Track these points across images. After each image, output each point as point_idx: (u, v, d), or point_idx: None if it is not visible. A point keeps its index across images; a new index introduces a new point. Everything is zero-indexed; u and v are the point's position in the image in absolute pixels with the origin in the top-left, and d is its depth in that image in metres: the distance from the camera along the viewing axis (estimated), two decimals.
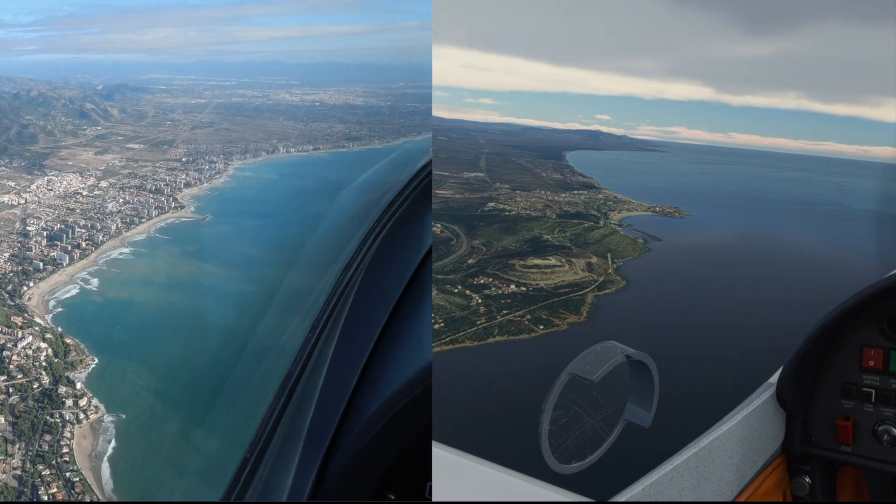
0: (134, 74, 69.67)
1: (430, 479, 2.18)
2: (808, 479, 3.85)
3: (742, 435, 3.39)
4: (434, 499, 2.09)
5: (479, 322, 41.04)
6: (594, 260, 49.87)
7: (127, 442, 30.53)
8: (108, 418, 31.80)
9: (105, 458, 29.88)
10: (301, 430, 2.28)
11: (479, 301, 42.57)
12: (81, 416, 31.85)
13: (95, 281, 41.38)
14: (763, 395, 3.67)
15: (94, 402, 32.56)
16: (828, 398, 3.80)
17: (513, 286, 45.03)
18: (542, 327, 41.80)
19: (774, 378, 3.79)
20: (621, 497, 2.53)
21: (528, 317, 42.50)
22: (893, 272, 3.66)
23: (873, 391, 3.70)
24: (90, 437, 30.94)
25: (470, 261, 46.77)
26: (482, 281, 44.81)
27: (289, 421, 2.35)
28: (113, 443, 30.46)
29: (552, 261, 48.40)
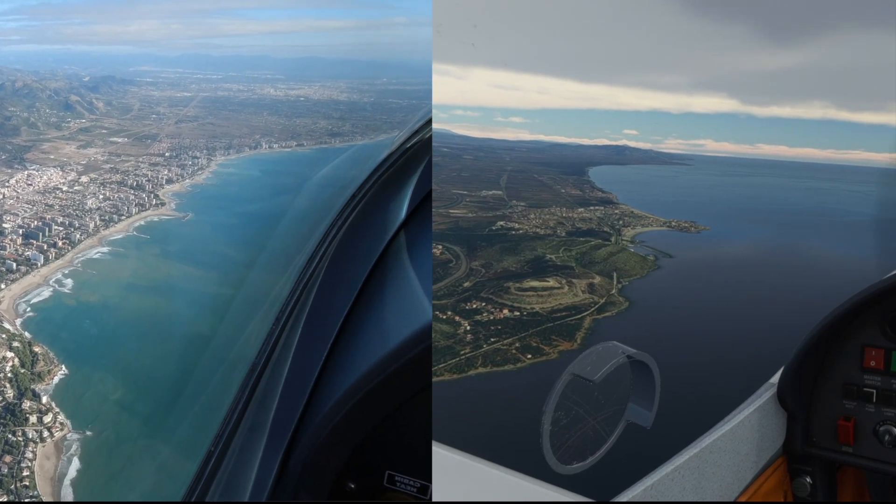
0: (121, 66, 67.67)
1: (389, 467, 2.19)
2: (809, 480, 3.73)
3: (743, 435, 3.32)
4: (434, 499, 2.09)
5: (462, 352, 37.90)
6: (597, 280, 46.86)
7: (92, 463, 28.21)
8: (73, 436, 29.44)
9: (68, 482, 27.44)
10: (265, 423, 2.21)
11: (468, 328, 39.64)
12: (46, 433, 29.28)
13: (70, 283, 39.54)
14: (764, 396, 3.57)
15: (60, 418, 30.11)
16: (829, 398, 3.71)
17: (506, 311, 42.08)
18: (529, 356, 38.66)
19: (775, 378, 3.69)
20: (623, 497, 2.46)
21: (517, 345, 39.42)
22: (894, 272, 3.56)
23: (874, 391, 3.60)
24: (54, 458, 28.44)
25: (466, 284, 44.03)
26: (474, 306, 41.89)
27: (252, 414, 2.28)
28: (77, 464, 28.08)
29: (551, 282, 45.32)
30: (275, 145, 54.38)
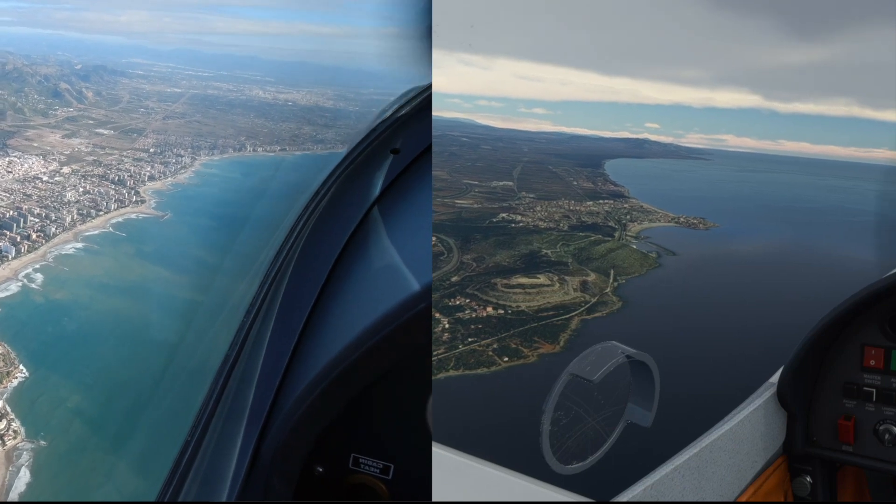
0: (114, 57, 66.00)
1: (354, 451, 2.30)
2: (809, 479, 3.79)
3: (743, 435, 3.40)
4: (434, 499, 2.14)
5: (436, 353, 35.57)
6: (592, 278, 44.94)
7: (45, 476, 26.95)
8: (26, 445, 28.23)
9: (16, 495, 26.39)
10: (239, 413, 2.32)
11: (446, 326, 37.62)
12: None
13: (40, 278, 38.75)
14: (764, 395, 3.65)
15: (15, 425, 28.91)
16: (829, 398, 3.79)
17: (490, 308, 40.01)
18: (506, 359, 36.65)
19: (775, 378, 3.78)
20: (623, 497, 2.51)
21: (495, 346, 37.44)
22: (894, 272, 3.65)
23: (874, 390, 3.67)
24: (2, 468, 27.34)
25: (454, 278, 42.11)
26: (458, 302, 39.86)
27: (228, 403, 2.38)
28: (28, 477, 26.80)
29: (541, 279, 43.38)
30: (259, 148, 53.57)
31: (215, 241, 34.85)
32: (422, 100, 2.83)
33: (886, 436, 3.59)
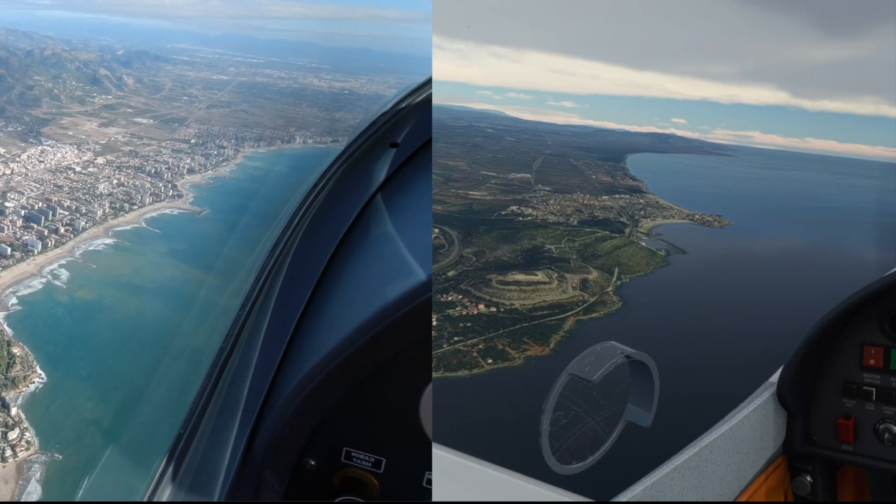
0: (159, 42, 65.75)
1: (347, 445, 2.37)
2: (809, 479, 3.95)
3: (743, 434, 3.55)
4: (434, 499, 2.30)
5: None
6: (593, 276, 44.15)
7: (56, 492, 25.84)
8: (39, 458, 27.30)
9: None
10: (233, 406, 2.41)
11: (434, 324, 34.53)
12: (8, 452, 27.14)
13: (65, 275, 38.81)
14: (764, 395, 3.81)
15: (28, 434, 28.01)
16: (829, 397, 3.98)
17: (482, 306, 39.30)
18: (490, 361, 35.82)
19: (775, 377, 3.96)
20: (622, 497, 2.61)
21: (481, 346, 36.62)
22: (893, 271, 3.80)
23: (874, 390, 3.84)
24: (12, 482, 26.31)
25: (451, 273, 41.45)
26: (450, 298, 39.11)
27: (221, 396, 2.48)
28: (39, 492, 25.91)
29: (539, 276, 42.61)
30: (309, 140, 51.88)
31: (256, 241, 32.83)
32: (422, 94, 3.04)
33: (886, 435, 3.72)
